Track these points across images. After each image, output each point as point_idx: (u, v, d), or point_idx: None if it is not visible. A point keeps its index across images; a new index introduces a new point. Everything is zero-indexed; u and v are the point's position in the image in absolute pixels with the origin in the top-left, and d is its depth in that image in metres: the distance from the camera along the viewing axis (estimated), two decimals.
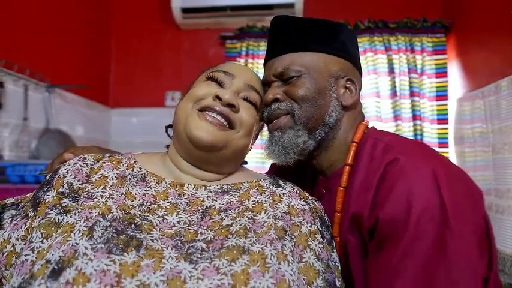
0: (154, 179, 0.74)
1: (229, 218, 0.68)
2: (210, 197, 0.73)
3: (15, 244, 0.66)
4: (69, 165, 0.73)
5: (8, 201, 0.75)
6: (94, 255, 0.56)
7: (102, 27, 2.49)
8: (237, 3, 2.27)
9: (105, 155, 0.78)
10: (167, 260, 0.58)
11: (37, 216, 0.67)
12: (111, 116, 2.54)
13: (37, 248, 0.62)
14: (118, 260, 0.56)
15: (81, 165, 0.72)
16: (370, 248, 0.67)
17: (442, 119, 2.24)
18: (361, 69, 0.87)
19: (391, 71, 2.27)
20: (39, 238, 0.63)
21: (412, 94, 2.25)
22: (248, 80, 0.79)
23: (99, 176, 0.71)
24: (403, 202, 0.63)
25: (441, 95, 2.25)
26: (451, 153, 2.20)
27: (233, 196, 0.73)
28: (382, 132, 0.81)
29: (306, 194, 0.78)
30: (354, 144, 0.78)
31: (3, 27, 1.57)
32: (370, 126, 0.83)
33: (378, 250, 0.65)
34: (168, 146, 0.85)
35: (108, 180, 0.71)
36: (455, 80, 2.18)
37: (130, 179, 0.73)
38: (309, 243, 0.69)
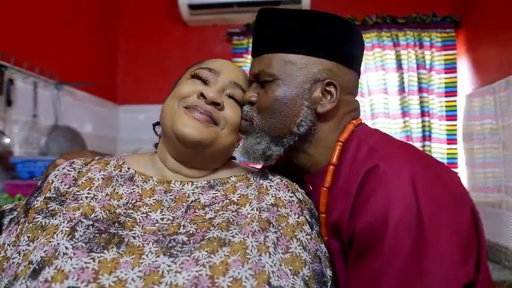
0: (142, 178, 0.74)
1: (213, 211, 0.68)
2: (196, 192, 0.73)
3: (7, 250, 0.67)
4: (58, 170, 0.74)
5: (7, 208, 0.76)
6: (74, 253, 0.57)
7: (109, 24, 2.50)
8: None
9: (94, 158, 0.79)
10: (147, 255, 0.58)
11: (26, 222, 0.67)
12: (119, 113, 2.56)
13: (23, 251, 0.63)
14: (98, 257, 0.56)
15: (68, 170, 0.73)
16: (350, 256, 0.66)
17: (451, 116, 2.21)
18: (355, 65, 0.79)
19: (399, 66, 2.25)
20: (26, 242, 0.64)
21: (420, 90, 2.23)
22: (233, 77, 0.78)
23: (86, 178, 0.72)
24: (380, 212, 0.61)
25: (450, 91, 2.22)
26: (460, 150, 2.18)
27: (218, 191, 0.73)
28: (369, 131, 0.76)
29: (296, 186, 0.77)
30: (340, 143, 0.74)
31: (14, 26, 1.59)
32: (363, 123, 0.78)
33: (357, 260, 0.64)
34: (156, 145, 0.84)
35: (94, 182, 0.71)
36: (465, 75, 2.16)
37: (117, 179, 0.73)
38: (295, 233, 0.68)
